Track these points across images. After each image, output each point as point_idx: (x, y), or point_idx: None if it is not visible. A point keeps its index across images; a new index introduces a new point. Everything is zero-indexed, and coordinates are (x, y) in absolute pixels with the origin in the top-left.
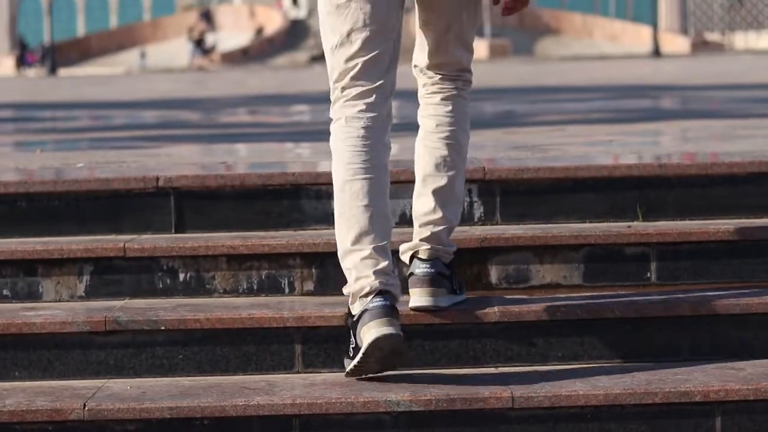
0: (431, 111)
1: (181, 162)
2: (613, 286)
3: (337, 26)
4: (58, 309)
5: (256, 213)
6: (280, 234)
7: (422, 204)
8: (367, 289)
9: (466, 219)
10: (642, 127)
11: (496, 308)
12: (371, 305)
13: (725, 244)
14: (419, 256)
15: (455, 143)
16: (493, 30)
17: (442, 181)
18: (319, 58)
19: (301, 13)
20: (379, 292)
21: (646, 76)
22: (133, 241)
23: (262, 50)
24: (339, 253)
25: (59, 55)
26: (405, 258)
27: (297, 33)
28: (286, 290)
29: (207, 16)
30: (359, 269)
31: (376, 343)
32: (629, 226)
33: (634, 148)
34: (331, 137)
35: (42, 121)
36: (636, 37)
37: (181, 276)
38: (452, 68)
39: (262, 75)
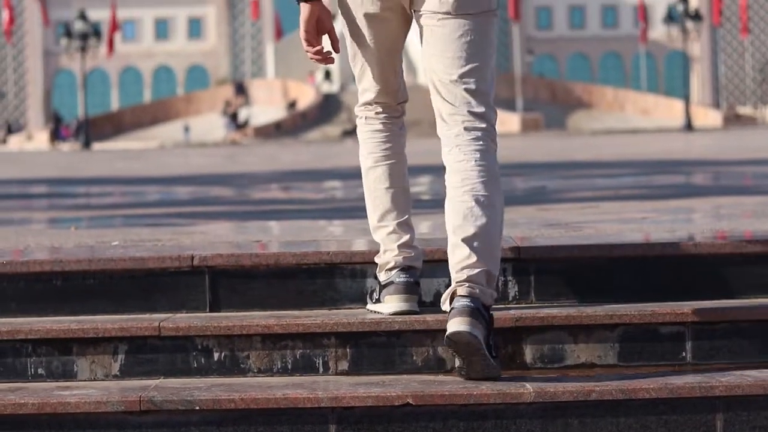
0: (455, 168)
1: (215, 240)
2: (648, 366)
3: (357, 50)
4: (93, 388)
5: (290, 292)
6: (315, 313)
7: (456, 254)
8: (391, 264)
9: (501, 298)
10: (675, 204)
11: (530, 388)
12: (397, 279)
13: (761, 323)
14: (458, 293)
15: (483, 195)
16: (526, 104)
17: (471, 229)
18: (351, 132)
19: (333, 87)
20: (403, 268)
21: (678, 151)
22: (168, 320)
23: (294, 124)
24: (370, 228)
25: (93, 128)
26: (445, 306)
27: (329, 107)
28: (321, 370)
29: (241, 89)
30: (386, 243)
31: (396, 313)
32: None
33: (668, 225)
34: (358, 130)
35: (76, 197)
36: (668, 110)
37: (216, 355)
38: (468, 120)
39: (295, 149)
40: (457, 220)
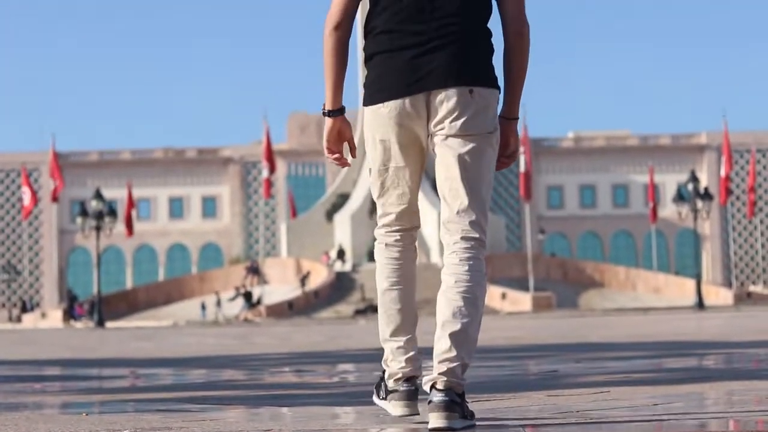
0: (451, 270)
1: (225, 429)
2: None
3: (378, 182)
4: None
5: None
6: None
7: (441, 345)
8: (398, 375)
9: None
10: (686, 389)
11: None
12: (401, 388)
13: None
14: (437, 386)
15: (471, 297)
16: (537, 283)
17: (457, 326)
18: (364, 311)
19: (346, 266)
20: (407, 378)
21: (689, 332)
22: None
23: (307, 303)
24: (380, 337)
25: (107, 307)
26: (426, 387)
27: (342, 286)
28: None
29: (255, 270)
30: (395, 355)
31: (401, 416)
32: None
33: (678, 412)
34: (376, 251)
35: (88, 379)
36: (679, 289)
37: None
38: (465, 231)
39: (308, 329)
40: (447, 315)
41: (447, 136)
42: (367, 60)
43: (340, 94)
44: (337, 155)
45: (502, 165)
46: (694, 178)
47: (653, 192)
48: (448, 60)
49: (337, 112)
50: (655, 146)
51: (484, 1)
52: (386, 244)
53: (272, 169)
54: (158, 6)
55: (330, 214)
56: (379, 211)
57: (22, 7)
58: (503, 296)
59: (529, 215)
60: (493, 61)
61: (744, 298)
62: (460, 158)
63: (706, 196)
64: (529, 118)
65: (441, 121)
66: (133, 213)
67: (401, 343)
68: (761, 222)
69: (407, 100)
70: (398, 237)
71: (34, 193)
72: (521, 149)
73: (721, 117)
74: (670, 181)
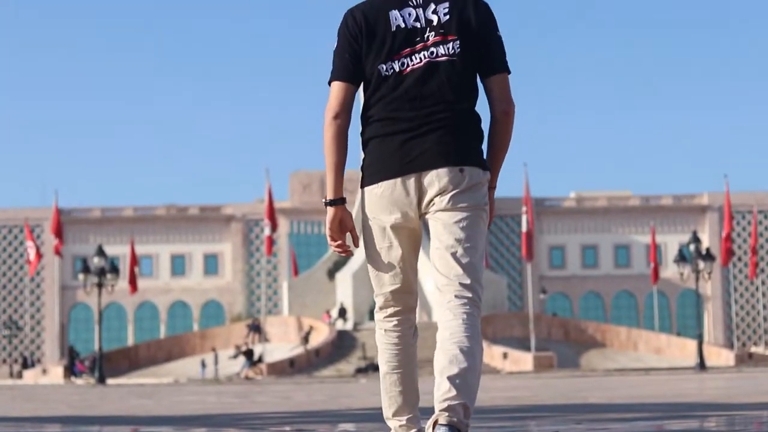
0: (446, 325)
1: None
2: None
3: (376, 264)
4: None
5: None
6: None
7: (441, 389)
8: None
9: None
10: None
11: None
12: None
13: None
14: (439, 421)
15: (467, 347)
16: (539, 343)
17: (455, 370)
18: (365, 370)
19: (348, 325)
20: None
21: (691, 393)
22: None
23: (308, 361)
24: (384, 414)
25: (108, 363)
26: (429, 429)
27: (343, 345)
28: None
29: (256, 328)
30: (397, 431)
31: None
32: None
33: None
34: (376, 335)
35: None
36: (681, 349)
37: None
38: (458, 291)
39: (309, 388)
40: (444, 363)
41: (438, 211)
42: (364, 146)
43: (341, 184)
44: (339, 243)
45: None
46: (696, 239)
47: (655, 252)
48: (438, 143)
49: (339, 201)
50: (656, 207)
51: (472, 85)
52: (385, 330)
53: (274, 226)
54: (161, 64)
55: (332, 273)
56: (375, 292)
57: (25, 62)
58: (505, 356)
59: (531, 275)
60: (481, 141)
61: (746, 359)
62: (453, 229)
63: (708, 256)
64: (531, 178)
65: (432, 199)
66: (136, 270)
67: (403, 422)
68: (763, 283)
69: (399, 181)
70: (396, 322)
71: (38, 249)
72: (523, 209)
73: (723, 178)
74: (671, 242)
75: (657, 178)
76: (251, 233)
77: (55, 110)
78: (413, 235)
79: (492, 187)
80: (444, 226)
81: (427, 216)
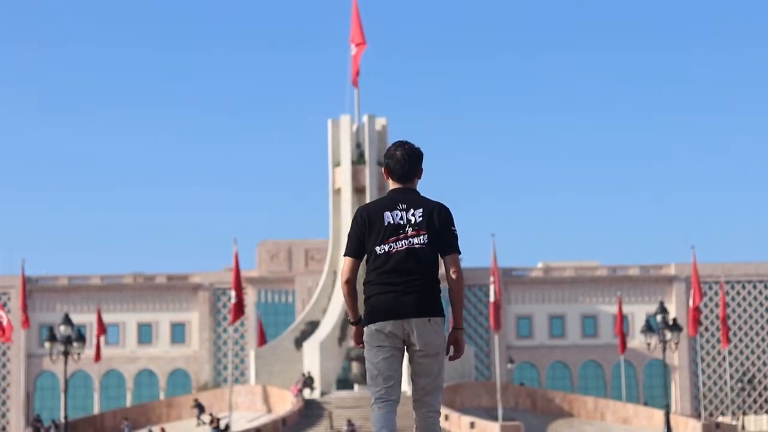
0: (421, 424)
1: None
2: None
3: (374, 370)
4: None
5: None
6: None
7: None
8: None
9: None
10: None
11: None
12: None
13: None
14: None
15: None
16: (506, 413)
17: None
18: None
19: (315, 394)
20: None
21: None
22: None
23: (275, 430)
24: None
25: None
26: None
27: (311, 413)
28: None
29: (200, 407)
30: None
31: None
32: None
33: None
34: (372, 413)
35: None
36: (648, 419)
37: None
38: (428, 407)
39: None
40: None
41: (415, 351)
42: (366, 299)
43: (357, 313)
44: (361, 344)
45: (454, 357)
46: (663, 309)
47: (621, 322)
48: (415, 301)
49: (357, 322)
50: (623, 277)
51: (435, 263)
52: (378, 408)
53: (240, 295)
54: (128, 135)
55: (299, 342)
56: (371, 390)
57: None
58: (472, 425)
59: (498, 345)
60: (440, 299)
61: (713, 429)
62: (423, 365)
63: (675, 327)
64: (499, 248)
65: (412, 341)
66: (102, 338)
67: None
68: (729, 353)
69: (390, 323)
70: (387, 408)
71: (7, 317)
72: (491, 279)
73: (690, 248)
74: (639, 312)
75: (624, 249)
76: (218, 302)
77: (23, 179)
78: (400, 356)
79: (459, 328)
80: (418, 362)
81: (408, 352)
